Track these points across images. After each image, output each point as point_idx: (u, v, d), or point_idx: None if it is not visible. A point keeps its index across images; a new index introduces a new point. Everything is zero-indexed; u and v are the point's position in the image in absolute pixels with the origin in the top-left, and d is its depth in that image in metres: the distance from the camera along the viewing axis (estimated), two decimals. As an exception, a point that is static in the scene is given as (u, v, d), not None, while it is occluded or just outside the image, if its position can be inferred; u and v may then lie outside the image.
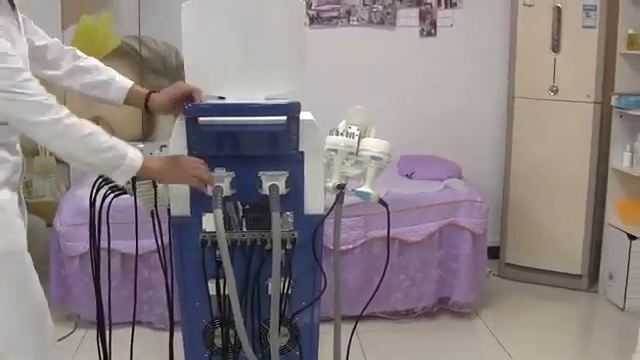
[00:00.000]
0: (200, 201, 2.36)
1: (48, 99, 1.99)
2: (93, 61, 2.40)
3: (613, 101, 4.12)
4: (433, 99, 4.72)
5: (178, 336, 2.56)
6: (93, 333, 2.59)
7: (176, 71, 4.43)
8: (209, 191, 2.30)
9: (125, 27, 4.47)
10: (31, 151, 4.23)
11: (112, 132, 3.50)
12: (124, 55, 4.46)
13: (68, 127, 2.01)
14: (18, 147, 2.20)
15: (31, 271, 2.19)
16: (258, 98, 2.39)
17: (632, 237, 4.06)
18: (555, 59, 4.23)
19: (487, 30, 4.66)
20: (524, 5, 4.27)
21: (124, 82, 2.41)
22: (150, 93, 2.43)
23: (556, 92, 4.26)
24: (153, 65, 4.50)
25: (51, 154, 4.22)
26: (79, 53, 2.38)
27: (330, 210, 2.43)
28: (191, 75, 2.44)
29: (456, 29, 4.67)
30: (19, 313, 2.18)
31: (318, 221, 2.42)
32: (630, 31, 4.06)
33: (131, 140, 2.50)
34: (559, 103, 4.26)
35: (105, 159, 2.08)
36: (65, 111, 2.02)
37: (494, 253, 4.56)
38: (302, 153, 2.39)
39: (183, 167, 2.26)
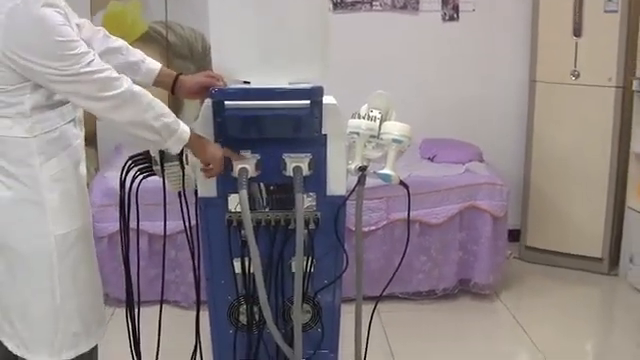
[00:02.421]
0: (226, 182, 2.43)
1: (113, 71, 2.04)
2: (122, 42, 2.44)
3: (635, 85, 4.10)
4: (455, 83, 4.75)
5: (203, 314, 2.64)
6: (121, 311, 2.66)
7: (202, 56, 4.49)
8: (235, 172, 2.37)
9: (152, 13, 4.53)
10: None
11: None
12: (151, 40, 4.52)
13: (135, 94, 2.07)
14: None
15: (94, 248, 2.32)
16: (282, 83, 2.43)
17: (653, 220, 4.08)
18: (577, 43, 4.23)
19: (509, 15, 4.67)
20: (546, -11, 4.29)
21: (153, 64, 2.46)
22: (178, 75, 2.49)
23: (577, 76, 4.26)
24: (180, 50, 4.56)
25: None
26: (108, 33, 2.42)
27: (352, 191, 2.48)
28: (217, 60, 2.50)
29: (478, 14, 4.68)
30: (90, 291, 2.28)
31: (340, 202, 2.48)
32: (652, 15, 4.06)
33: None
34: (580, 87, 4.27)
35: (166, 123, 2.13)
36: (129, 79, 2.08)
37: (515, 236, 4.59)
38: (325, 136, 2.44)
39: (217, 155, 2.33)
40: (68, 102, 2.13)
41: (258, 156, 2.42)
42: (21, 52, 1.92)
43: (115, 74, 2.05)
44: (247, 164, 2.38)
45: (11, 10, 1.89)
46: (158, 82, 2.47)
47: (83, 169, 2.25)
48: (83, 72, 1.97)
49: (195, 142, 2.25)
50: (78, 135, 2.19)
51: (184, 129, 2.19)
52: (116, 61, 2.35)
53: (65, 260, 2.16)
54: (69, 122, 2.15)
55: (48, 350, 2.20)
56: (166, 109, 2.15)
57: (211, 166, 2.32)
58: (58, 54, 1.94)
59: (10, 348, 2.21)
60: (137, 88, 2.09)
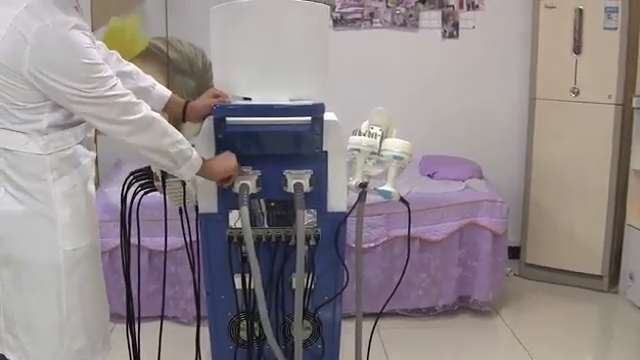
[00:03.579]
0: (227, 198, 2.44)
1: (133, 96, 2.07)
2: (133, 67, 2.47)
3: (634, 103, 4.11)
4: (455, 100, 4.76)
5: (203, 329, 2.63)
6: (121, 326, 2.65)
7: (202, 72, 4.50)
8: (236, 188, 2.38)
9: (152, 29, 4.55)
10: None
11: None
12: (151, 56, 4.54)
13: (154, 120, 2.10)
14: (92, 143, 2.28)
15: (101, 265, 2.32)
16: (282, 99, 2.45)
17: (652, 238, 4.08)
18: (576, 61, 4.24)
19: (509, 32, 4.68)
20: (546, 7, 4.29)
21: (164, 91, 2.51)
22: (187, 103, 2.51)
23: (577, 94, 4.27)
24: (180, 66, 4.57)
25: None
26: (120, 57, 2.45)
27: (352, 208, 2.49)
28: (218, 76, 2.52)
29: (478, 31, 4.70)
30: (96, 307, 2.28)
31: (341, 219, 2.48)
32: (651, 33, 4.08)
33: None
34: (580, 105, 4.27)
35: (181, 150, 2.16)
36: (147, 105, 2.11)
37: (515, 253, 4.59)
38: (326, 152, 2.45)
39: (223, 167, 2.34)
40: (82, 123, 2.15)
41: (259, 172, 2.43)
42: (47, 71, 1.94)
43: (135, 99, 2.07)
44: (248, 180, 2.39)
45: (40, 30, 1.92)
46: (167, 109, 2.51)
47: (92, 187, 2.26)
48: (106, 95, 2.00)
49: (205, 168, 2.28)
50: (87, 154, 2.21)
51: (196, 157, 2.22)
52: (127, 85, 2.34)
53: (72, 276, 2.16)
54: (80, 142, 2.17)
55: None
56: (180, 135, 2.18)
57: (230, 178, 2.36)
58: (84, 76, 1.97)
59: None
60: (155, 114, 2.12)
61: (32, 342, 2.17)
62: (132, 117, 2.05)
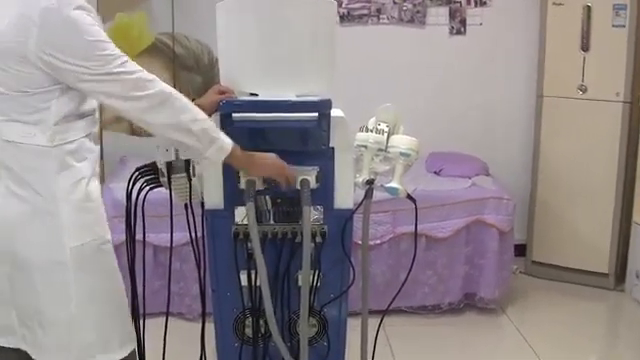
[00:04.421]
0: (233, 194, 2.43)
1: (146, 73, 2.04)
2: None
3: (642, 100, 4.12)
4: (462, 97, 4.75)
5: (208, 326, 2.63)
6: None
7: (208, 68, 4.49)
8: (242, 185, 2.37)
9: (158, 25, 4.54)
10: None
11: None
12: (157, 52, 4.53)
13: (171, 95, 2.05)
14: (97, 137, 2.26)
15: (114, 260, 2.27)
16: (289, 95, 2.44)
17: (660, 236, 4.07)
18: (584, 58, 4.22)
19: (516, 29, 4.67)
20: (554, 4, 4.27)
21: None
22: (193, 100, 2.49)
23: (585, 91, 4.26)
24: (186, 62, 4.56)
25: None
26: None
27: (359, 205, 2.48)
28: (225, 72, 2.51)
29: (485, 28, 4.68)
30: (109, 303, 2.23)
31: (347, 215, 2.47)
32: (660, 30, 4.06)
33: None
34: (588, 102, 4.26)
35: (204, 128, 2.11)
36: (162, 82, 2.07)
37: (521, 251, 4.57)
38: (332, 149, 2.44)
39: (269, 161, 2.33)
40: (90, 115, 2.13)
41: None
42: (54, 52, 1.93)
43: (149, 76, 2.04)
44: (254, 177, 2.37)
45: (44, 10, 1.90)
46: None
47: (97, 182, 2.23)
48: (116, 72, 1.98)
49: (242, 157, 2.23)
50: (93, 149, 2.18)
51: (225, 139, 2.16)
52: None
53: (81, 272, 2.11)
54: (86, 136, 2.15)
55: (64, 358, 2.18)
56: (203, 115, 2.13)
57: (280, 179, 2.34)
58: (90, 53, 1.95)
59: (33, 355, 2.19)
60: (172, 90, 2.07)
61: (45, 336, 2.16)
62: (145, 92, 2.01)
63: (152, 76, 2.05)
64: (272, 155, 2.33)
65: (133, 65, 2.03)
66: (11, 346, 2.19)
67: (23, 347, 2.18)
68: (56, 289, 2.11)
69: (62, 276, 2.10)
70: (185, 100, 2.10)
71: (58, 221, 2.08)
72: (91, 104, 2.12)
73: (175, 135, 2.09)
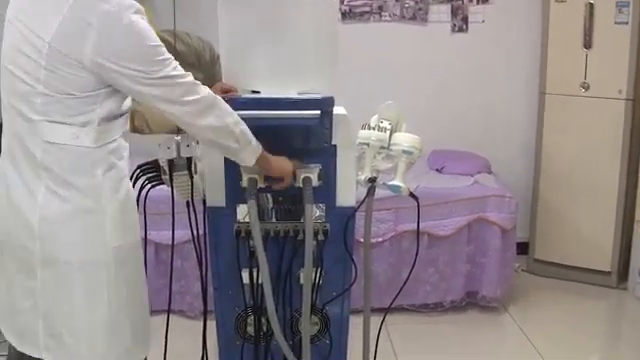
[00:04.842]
0: (234, 192, 2.42)
1: (192, 77, 2.05)
2: None
3: (645, 98, 4.11)
4: (464, 95, 4.74)
5: (210, 324, 2.62)
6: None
7: (210, 65, 4.48)
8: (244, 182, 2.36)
9: (160, 21, 4.52)
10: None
11: (147, 125, 3.57)
12: (159, 49, 4.51)
13: (216, 99, 2.08)
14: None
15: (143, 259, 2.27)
16: (291, 93, 2.43)
17: (662, 234, 4.06)
18: (587, 55, 4.21)
19: (519, 26, 4.67)
20: (556, 1, 4.26)
21: None
22: None
23: (587, 88, 4.25)
24: (187, 59, 4.54)
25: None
26: None
27: (361, 203, 2.48)
28: (227, 70, 2.50)
29: (487, 25, 4.67)
30: (142, 303, 2.23)
31: (349, 213, 2.47)
32: (663, 28, 4.05)
33: (167, 133, 2.57)
34: (590, 99, 4.25)
35: (243, 131, 2.14)
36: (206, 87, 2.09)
37: (523, 249, 4.57)
38: (335, 146, 2.44)
39: (284, 163, 2.35)
40: (126, 114, 2.12)
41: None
42: (113, 57, 1.91)
43: (195, 80, 2.05)
44: (256, 174, 2.36)
45: (104, 14, 1.88)
46: None
47: (129, 181, 2.23)
48: (171, 75, 1.98)
49: (264, 158, 2.26)
50: (127, 147, 2.16)
51: (257, 142, 2.20)
52: None
53: (120, 273, 2.10)
54: (122, 134, 2.14)
55: None
56: (238, 117, 2.16)
57: (284, 180, 2.36)
58: (149, 59, 1.95)
59: None
60: (215, 94, 2.09)
61: (77, 343, 2.10)
62: (195, 97, 2.02)
63: (197, 81, 2.06)
64: (285, 158, 2.35)
65: (182, 69, 2.04)
66: (34, 355, 2.14)
67: (44, 356, 2.15)
68: (95, 292, 2.08)
69: (103, 277, 2.07)
70: (225, 104, 2.12)
71: (102, 220, 2.05)
72: (128, 103, 2.11)
73: (218, 137, 2.12)
